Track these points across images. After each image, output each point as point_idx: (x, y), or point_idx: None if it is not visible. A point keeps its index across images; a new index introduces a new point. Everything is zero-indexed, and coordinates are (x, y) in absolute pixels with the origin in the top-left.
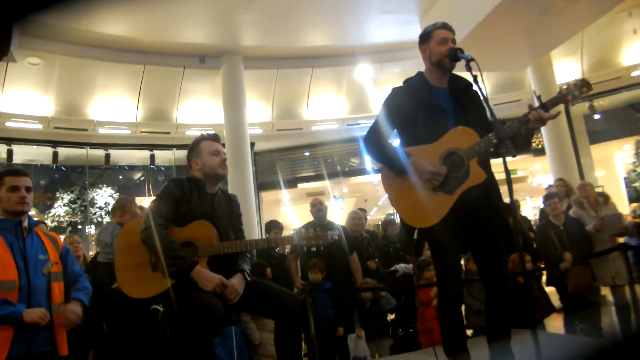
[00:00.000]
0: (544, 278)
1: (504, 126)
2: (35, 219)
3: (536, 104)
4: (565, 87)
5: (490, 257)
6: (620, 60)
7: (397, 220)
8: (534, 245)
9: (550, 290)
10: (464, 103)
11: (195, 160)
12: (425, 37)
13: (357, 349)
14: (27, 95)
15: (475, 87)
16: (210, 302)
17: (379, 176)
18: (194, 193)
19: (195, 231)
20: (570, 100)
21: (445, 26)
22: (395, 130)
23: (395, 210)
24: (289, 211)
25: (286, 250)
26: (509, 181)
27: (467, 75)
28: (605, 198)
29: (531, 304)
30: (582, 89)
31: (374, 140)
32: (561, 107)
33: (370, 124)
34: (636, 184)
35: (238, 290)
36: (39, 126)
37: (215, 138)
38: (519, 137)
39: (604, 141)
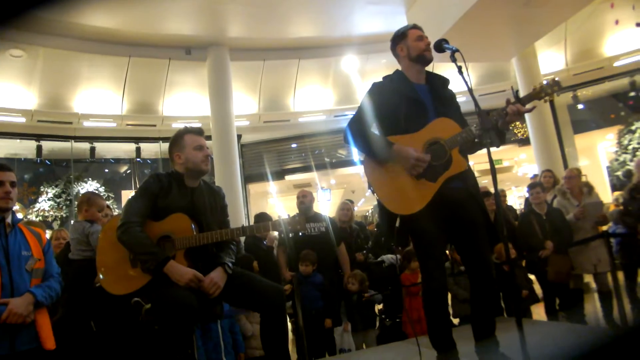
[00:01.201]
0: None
1: (488, 117)
2: (20, 214)
3: (513, 99)
4: (539, 85)
5: (473, 246)
6: (603, 50)
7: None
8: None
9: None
10: (442, 98)
11: (178, 154)
12: (401, 37)
13: (342, 342)
14: (10, 88)
15: (450, 85)
16: (182, 297)
17: None
18: (174, 187)
19: (172, 224)
20: (543, 96)
21: (416, 27)
22: (376, 123)
23: (377, 198)
24: (277, 203)
25: (274, 243)
26: (493, 171)
27: (452, 66)
28: (589, 188)
29: (516, 293)
30: (553, 87)
31: (358, 128)
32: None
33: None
34: (619, 173)
35: (218, 284)
36: (22, 119)
37: (199, 132)
38: (495, 129)
39: (588, 131)
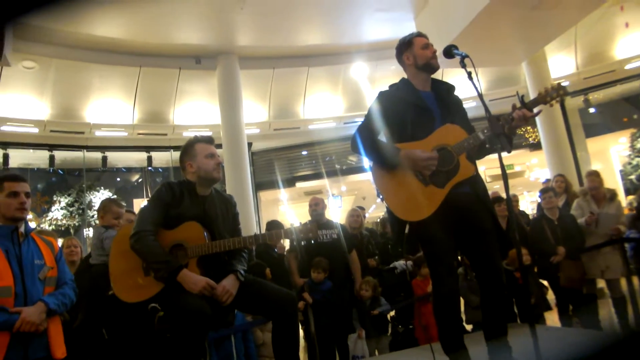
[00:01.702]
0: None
1: (498, 122)
2: (33, 223)
3: (518, 104)
4: (544, 90)
5: (482, 251)
6: (614, 53)
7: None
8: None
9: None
10: (448, 105)
11: (190, 163)
12: (406, 45)
13: (356, 349)
14: (23, 99)
15: (461, 91)
16: (196, 305)
17: None
18: (185, 196)
19: (184, 233)
20: (549, 101)
21: (421, 34)
22: (383, 131)
23: (386, 206)
24: (288, 210)
25: (285, 250)
26: (505, 176)
27: (462, 72)
28: (612, 195)
29: (529, 299)
30: (559, 91)
31: (365, 136)
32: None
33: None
34: (632, 177)
35: (230, 291)
36: (35, 130)
37: (209, 140)
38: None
39: (600, 134)
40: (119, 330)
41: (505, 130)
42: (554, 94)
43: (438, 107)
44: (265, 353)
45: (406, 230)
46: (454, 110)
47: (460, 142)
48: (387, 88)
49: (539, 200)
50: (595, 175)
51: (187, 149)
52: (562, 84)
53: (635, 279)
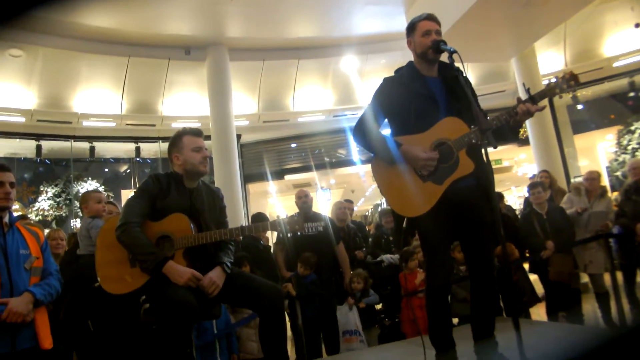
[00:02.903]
0: (526, 266)
1: (486, 118)
2: (20, 213)
3: (524, 96)
4: (554, 80)
5: (477, 245)
6: (602, 51)
7: None
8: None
9: (534, 278)
10: (454, 92)
11: (177, 155)
12: (410, 30)
13: (347, 323)
14: (9, 88)
15: (464, 75)
16: (182, 297)
17: (365, 167)
18: (172, 188)
19: (171, 224)
20: (559, 93)
21: (430, 17)
22: (387, 120)
23: (384, 200)
24: (276, 203)
25: (270, 242)
26: (491, 172)
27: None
28: (602, 191)
29: (516, 294)
30: (569, 82)
31: (365, 128)
32: (546, 99)
33: (359, 114)
34: (618, 173)
35: (216, 283)
36: (22, 119)
37: (197, 133)
38: (507, 128)
39: (587, 131)
40: (105, 322)
41: (511, 123)
42: (564, 85)
43: (444, 95)
44: (241, 348)
45: (404, 224)
46: (461, 97)
47: (461, 137)
48: (384, 77)
49: (527, 195)
50: (596, 173)
51: (175, 141)
52: (574, 74)
53: (619, 274)
